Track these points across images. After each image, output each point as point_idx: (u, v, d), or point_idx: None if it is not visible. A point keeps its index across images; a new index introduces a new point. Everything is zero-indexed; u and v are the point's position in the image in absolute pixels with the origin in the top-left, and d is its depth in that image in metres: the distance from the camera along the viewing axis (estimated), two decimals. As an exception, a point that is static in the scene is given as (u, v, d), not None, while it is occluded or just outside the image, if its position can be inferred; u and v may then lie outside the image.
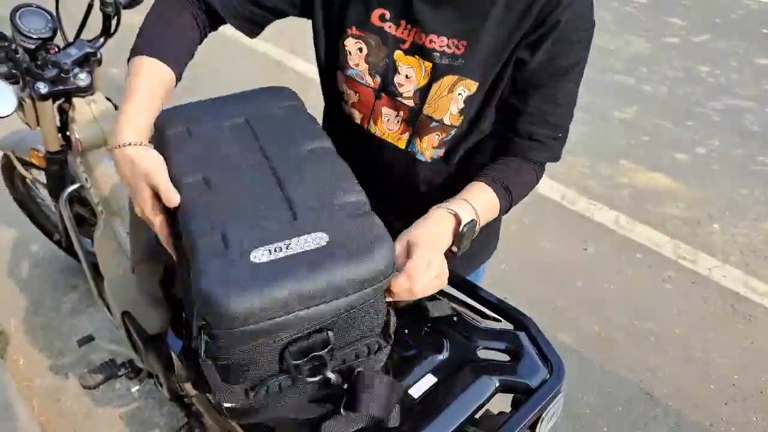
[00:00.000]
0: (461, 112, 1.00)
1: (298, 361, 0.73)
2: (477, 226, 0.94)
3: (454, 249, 0.92)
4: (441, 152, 1.08)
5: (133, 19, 5.07)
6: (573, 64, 0.98)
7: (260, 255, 0.69)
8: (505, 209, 1.02)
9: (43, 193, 2.19)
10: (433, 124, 1.02)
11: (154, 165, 0.85)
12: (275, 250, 0.69)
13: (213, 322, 0.67)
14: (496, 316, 1.04)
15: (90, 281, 1.89)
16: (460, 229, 0.90)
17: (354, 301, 0.71)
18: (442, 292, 1.07)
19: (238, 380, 0.75)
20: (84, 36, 1.67)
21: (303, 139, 0.88)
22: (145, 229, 1.19)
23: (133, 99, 0.92)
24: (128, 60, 0.99)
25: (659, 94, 4.28)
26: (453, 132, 1.04)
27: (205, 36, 1.10)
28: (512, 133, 1.03)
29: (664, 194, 3.19)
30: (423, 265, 0.84)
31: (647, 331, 2.31)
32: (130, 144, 0.87)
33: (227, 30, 1.09)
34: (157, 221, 0.87)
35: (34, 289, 2.35)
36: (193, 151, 0.87)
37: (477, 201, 0.96)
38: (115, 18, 1.66)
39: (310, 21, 1.09)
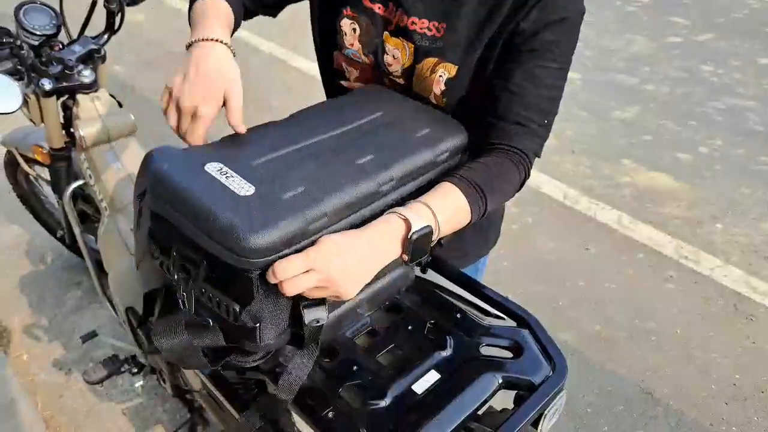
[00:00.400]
0: (443, 94, 1.04)
1: None
2: (435, 234, 0.87)
3: (405, 258, 0.86)
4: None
5: (136, 17, 5.09)
6: (556, 41, 0.96)
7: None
8: (479, 214, 0.94)
9: (47, 190, 2.19)
10: (424, 101, 1.07)
11: (237, 76, 0.89)
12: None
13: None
14: (499, 314, 1.05)
15: (93, 278, 1.89)
16: (409, 236, 0.83)
17: None
18: (445, 290, 1.07)
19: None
20: (88, 33, 1.68)
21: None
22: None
23: (210, 13, 0.95)
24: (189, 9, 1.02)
25: (661, 94, 4.28)
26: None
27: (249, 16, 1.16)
28: (495, 118, 1.00)
29: (666, 194, 3.19)
30: (302, 264, 0.76)
31: (648, 331, 2.31)
32: (221, 41, 0.89)
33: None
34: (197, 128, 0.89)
35: (37, 286, 2.36)
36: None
37: (441, 206, 0.88)
38: (119, 15, 1.66)
39: (309, 19, 1.14)
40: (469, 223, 0.94)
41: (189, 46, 0.91)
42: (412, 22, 1.01)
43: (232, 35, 1.00)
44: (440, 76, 1.02)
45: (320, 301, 0.82)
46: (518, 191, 1.04)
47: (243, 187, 0.80)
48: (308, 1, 1.15)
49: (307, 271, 0.76)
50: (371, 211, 0.89)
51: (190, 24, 1.00)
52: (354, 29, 1.07)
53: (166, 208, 0.83)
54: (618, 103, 4.08)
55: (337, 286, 0.79)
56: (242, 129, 0.90)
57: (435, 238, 0.88)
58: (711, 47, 5.12)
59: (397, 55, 1.05)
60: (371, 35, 1.06)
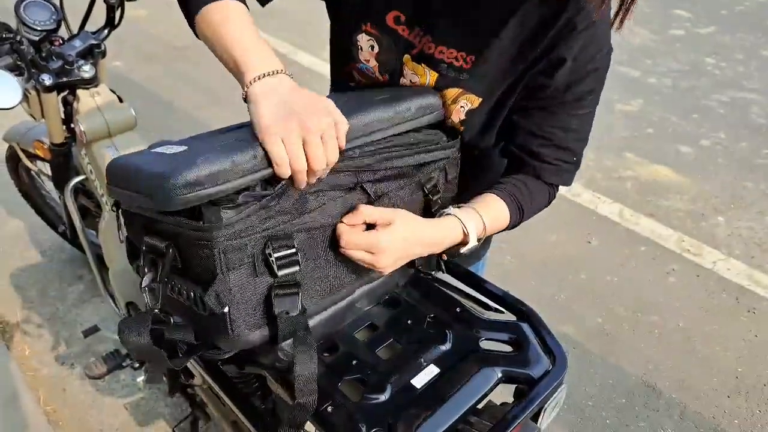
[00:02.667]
0: (462, 123, 1.00)
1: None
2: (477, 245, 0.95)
3: (444, 257, 0.94)
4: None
5: (136, 12, 5.07)
6: (588, 92, 0.95)
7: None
8: (511, 227, 1.03)
9: (48, 185, 2.20)
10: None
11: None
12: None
13: None
14: (499, 308, 1.04)
15: (95, 272, 1.90)
16: (461, 250, 0.93)
17: None
18: (445, 284, 1.07)
19: None
20: (88, 28, 1.68)
21: None
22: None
23: (247, 35, 0.82)
24: (189, 13, 0.88)
25: (664, 87, 4.26)
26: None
27: None
28: (524, 153, 1.01)
29: (669, 187, 3.18)
30: (381, 243, 0.83)
31: (650, 324, 2.31)
32: (284, 72, 0.79)
33: None
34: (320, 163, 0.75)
35: (39, 280, 2.37)
36: None
37: (490, 216, 0.96)
38: (119, 10, 1.66)
39: (320, 15, 1.09)
40: (496, 233, 1.03)
41: (249, 84, 0.78)
42: (440, 51, 0.96)
43: None
44: (461, 106, 0.99)
45: (294, 292, 0.80)
46: (546, 207, 1.10)
47: (178, 150, 0.80)
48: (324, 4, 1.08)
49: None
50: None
51: (214, 42, 0.85)
52: (372, 47, 1.01)
53: (118, 191, 0.83)
54: (621, 96, 4.06)
55: (381, 261, 0.85)
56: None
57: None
58: (714, 40, 5.09)
59: (415, 80, 1.01)
60: (390, 56, 1.01)
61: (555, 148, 0.99)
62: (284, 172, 0.74)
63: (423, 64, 0.99)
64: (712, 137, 3.67)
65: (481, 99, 0.97)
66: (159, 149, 0.84)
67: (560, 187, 1.07)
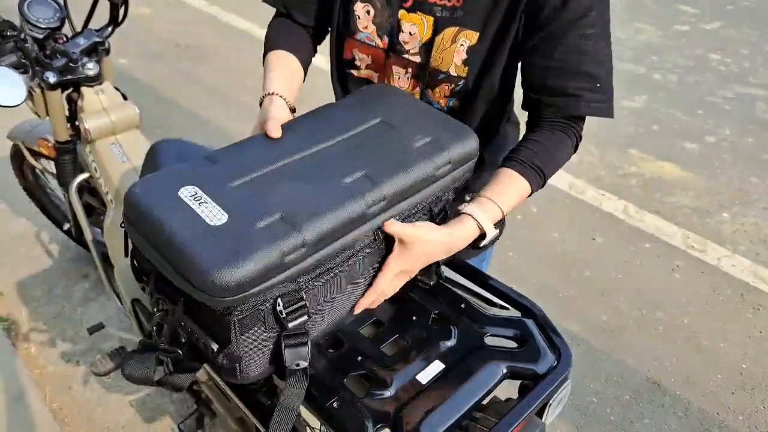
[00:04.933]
0: (465, 62, 1.04)
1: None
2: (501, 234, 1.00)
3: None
4: (455, 101, 1.11)
5: (139, 10, 5.08)
6: (587, 7, 0.94)
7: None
8: (537, 190, 1.04)
9: (53, 183, 2.20)
10: (441, 76, 1.07)
11: (277, 108, 0.97)
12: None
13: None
14: (504, 304, 1.04)
15: (100, 270, 1.90)
16: (482, 244, 0.94)
17: None
18: (450, 281, 1.07)
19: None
20: (92, 25, 1.68)
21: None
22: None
23: (273, 72, 1.06)
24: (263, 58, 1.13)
25: (669, 83, 4.25)
26: (461, 83, 1.07)
27: (318, 40, 1.23)
28: (543, 95, 1.00)
29: (674, 183, 3.17)
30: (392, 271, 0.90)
31: (655, 321, 2.30)
32: (276, 93, 1.00)
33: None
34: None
35: (45, 279, 2.37)
36: None
37: (508, 201, 0.97)
38: (123, 7, 1.66)
39: None
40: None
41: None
42: None
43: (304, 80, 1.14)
44: (461, 45, 1.02)
45: (302, 342, 0.80)
46: (573, 154, 1.08)
47: (215, 216, 0.75)
48: None
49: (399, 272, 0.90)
50: (357, 236, 0.83)
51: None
52: (368, 11, 1.07)
53: (141, 239, 0.79)
54: (626, 92, 4.05)
55: (411, 274, 0.95)
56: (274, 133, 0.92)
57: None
58: (720, 35, 5.07)
59: (414, 31, 1.05)
60: (385, 15, 1.06)
61: (572, 76, 0.96)
62: None
63: (418, 13, 1.04)
64: (717, 133, 3.66)
65: (478, 33, 1.01)
66: (187, 194, 0.77)
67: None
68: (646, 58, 4.58)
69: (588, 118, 1.04)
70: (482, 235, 0.94)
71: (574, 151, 1.07)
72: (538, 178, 1.00)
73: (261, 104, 1.01)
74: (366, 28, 1.09)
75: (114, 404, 1.91)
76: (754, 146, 3.53)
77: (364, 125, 0.94)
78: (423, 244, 0.89)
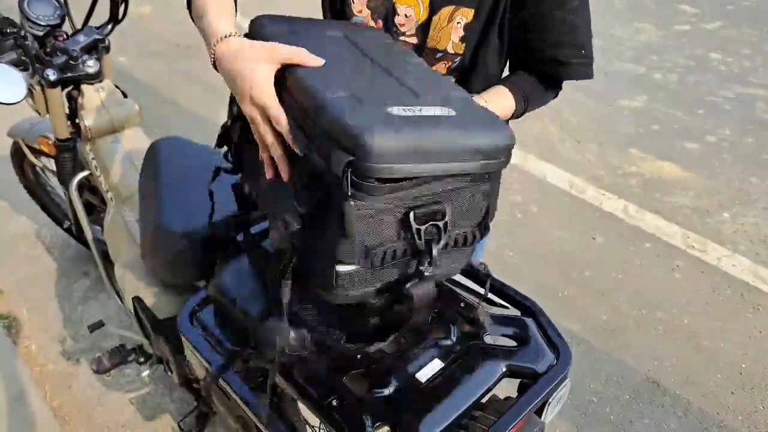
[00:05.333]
0: (462, 39, 1.06)
1: (420, 226, 0.75)
2: None
3: None
4: (452, 77, 1.13)
5: (140, 8, 5.07)
6: None
7: (396, 110, 0.72)
8: (517, 115, 1.10)
9: (53, 181, 2.20)
10: (438, 54, 1.09)
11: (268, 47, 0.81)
12: (409, 110, 0.73)
13: (361, 155, 0.67)
14: (504, 303, 1.04)
15: (100, 268, 1.90)
16: None
17: (474, 169, 0.76)
18: (449, 279, 1.07)
19: (362, 240, 0.75)
20: (92, 23, 1.68)
21: (401, 52, 0.94)
22: (154, 214, 1.20)
23: (210, 8, 0.89)
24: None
25: (669, 83, 4.25)
26: (457, 60, 1.09)
27: None
28: (537, 63, 1.09)
29: (674, 183, 3.17)
30: None
31: (655, 320, 2.30)
32: (232, 35, 0.83)
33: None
34: (275, 105, 0.78)
35: (45, 277, 2.37)
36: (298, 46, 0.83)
37: (494, 103, 1.02)
38: (123, 5, 1.66)
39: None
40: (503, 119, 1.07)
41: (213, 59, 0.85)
42: None
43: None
44: (458, 22, 1.05)
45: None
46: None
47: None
48: None
49: None
50: None
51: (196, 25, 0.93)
52: None
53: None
54: (626, 92, 4.05)
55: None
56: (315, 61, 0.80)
57: None
58: (720, 35, 5.07)
59: (409, 12, 1.06)
60: None
61: (562, 45, 1.05)
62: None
63: None
64: (717, 133, 3.66)
65: (473, 10, 1.03)
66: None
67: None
68: (646, 58, 4.58)
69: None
70: None
71: (554, 97, 1.18)
72: (523, 102, 1.08)
73: (215, 50, 0.83)
74: (360, 12, 1.10)
75: (114, 403, 1.91)
76: (755, 146, 3.53)
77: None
78: None
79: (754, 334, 2.26)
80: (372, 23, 1.10)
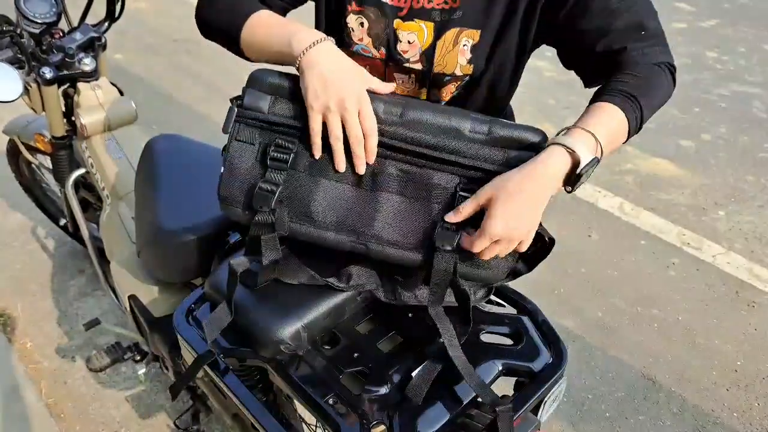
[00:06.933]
0: (470, 61, 1.02)
1: None
2: (599, 161, 0.85)
3: (568, 189, 0.86)
4: (459, 92, 1.09)
5: (138, 4, 5.05)
6: None
7: None
8: (636, 126, 0.91)
9: (49, 179, 2.20)
10: (446, 78, 1.04)
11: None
12: None
13: None
14: (500, 301, 1.05)
15: (96, 266, 1.90)
16: (578, 171, 0.82)
17: None
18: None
19: None
20: (88, 20, 1.67)
21: None
22: (150, 212, 1.20)
23: (277, 21, 0.95)
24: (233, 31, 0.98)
25: (666, 81, 4.25)
26: (467, 79, 1.05)
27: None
28: (604, 59, 0.96)
29: (669, 181, 3.18)
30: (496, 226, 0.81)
31: (651, 318, 2.31)
32: (323, 39, 0.88)
33: None
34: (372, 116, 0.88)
35: (40, 274, 2.37)
36: None
37: (603, 130, 0.85)
38: (119, 2, 1.65)
39: (311, 4, 1.11)
40: (627, 138, 0.92)
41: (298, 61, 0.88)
42: (428, 1, 0.99)
43: None
44: (464, 45, 1.00)
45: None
46: (670, 97, 1.01)
47: None
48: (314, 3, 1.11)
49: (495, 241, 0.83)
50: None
51: (255, 43, 0.95)
52: (361, 23, 1.04)
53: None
54: (622, 90, 4.05)
55: (515, 239, 0.84)
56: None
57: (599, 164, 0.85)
58: (717, 33, 5.08)
59: (412, 39, 1.02)
60: (381, 26, 1.03)
61: (624, 33, 0.94)
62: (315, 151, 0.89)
63: (416, 20, 1.01)
64: (713, 131, 3.66)
65: (479, 31, 0.99)
66: None
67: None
68: (643, 56, 4.58)
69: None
70: (576, 164, 0.83)
71: (674, 81, 1.00)
72: (631, 104, 0.89)
73: (305, 54, 0.87)
74: (361, 40, 1.05)
75: (109, 399, 1.91)
76: (750, 144, 3.54)
77: None
78: (500, 204, 0.82)
79: (749, 331, 2.27)
80: (374, 51, 1.06)
